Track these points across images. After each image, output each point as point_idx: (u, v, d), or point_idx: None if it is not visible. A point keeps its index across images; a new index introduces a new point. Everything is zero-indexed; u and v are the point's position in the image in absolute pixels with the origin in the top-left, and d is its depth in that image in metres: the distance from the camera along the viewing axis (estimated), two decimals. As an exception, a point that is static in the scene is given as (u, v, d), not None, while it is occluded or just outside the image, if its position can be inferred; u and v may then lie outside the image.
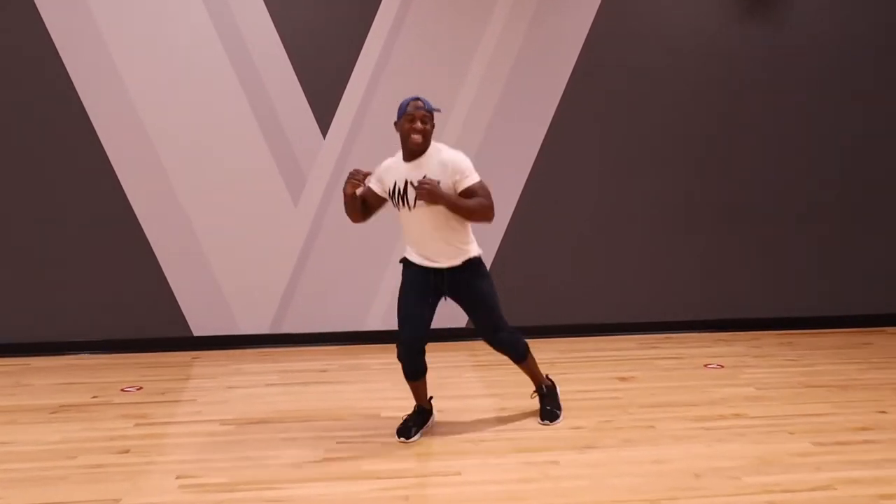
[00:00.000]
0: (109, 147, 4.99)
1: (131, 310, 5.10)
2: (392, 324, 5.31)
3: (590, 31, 5.27)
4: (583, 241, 5.40)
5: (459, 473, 2.98)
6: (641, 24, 5.33)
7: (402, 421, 3.44)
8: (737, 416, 3.65)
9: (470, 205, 3.18)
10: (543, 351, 4.99)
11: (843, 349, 5.02)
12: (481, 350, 5.05)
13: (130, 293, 5.09)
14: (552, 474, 2.95)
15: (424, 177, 3.16)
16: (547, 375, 3.75)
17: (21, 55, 4.88)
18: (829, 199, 5.55)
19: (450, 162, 3.21)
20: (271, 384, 4.35)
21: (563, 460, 3.10)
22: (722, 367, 4.57)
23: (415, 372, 3.39)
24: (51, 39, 4.88)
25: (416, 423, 3.43)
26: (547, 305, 5.40)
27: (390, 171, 3.33)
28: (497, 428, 3.53)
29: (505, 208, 5.32)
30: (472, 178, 3.23)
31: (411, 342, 3.32)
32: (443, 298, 3.41)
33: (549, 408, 3.60)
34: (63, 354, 4.98)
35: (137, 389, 4.23)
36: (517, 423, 3.61)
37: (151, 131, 5.02)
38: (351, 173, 3.29)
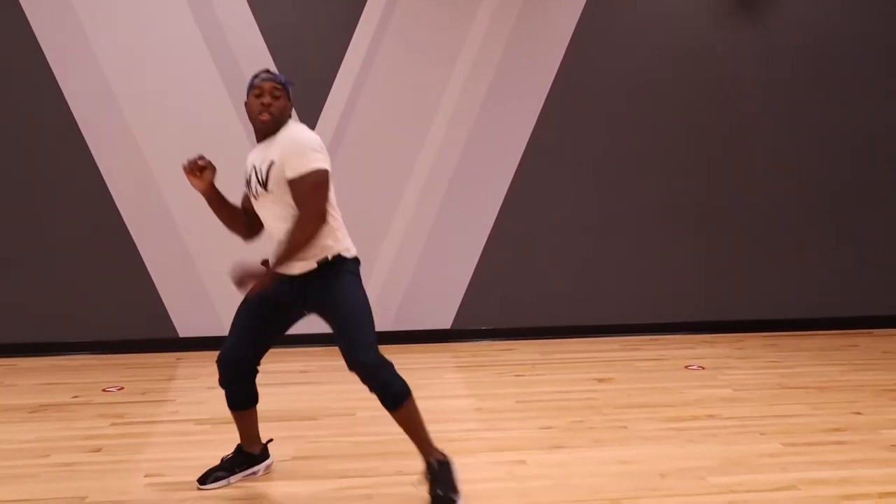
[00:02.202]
0: (96, 149, 5.04)
1: (117, 311, 5.14)
2: (377, 325, 5.36)
3: (575, 30, 5.29)
4: (566, 243, 5.41)
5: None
6: (627, 23, 5.35)
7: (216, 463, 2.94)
8: (710, 416, 3.65)
9: (290, 248, 2.53)
10: (524, 352, 5.03)
11: (827, 351, 5.01)
12: (464, 352, 5.09)
13: (117, 295, 5.13)
14: (517, 474, 2.96)
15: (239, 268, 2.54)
16: (441, 450, 2.75)
17: (10, 62, 4.93)
18: (818, 200, 5.55)
19: (284, 141, 2.61)
20: (251, 385, 4.37)
21: (531, 460, 3.11)
22: (703, 368, 4.57)
23: (234, 397, 2.86)
24: (40, 48, 4.93)
25: (225, 467, 2.90)
26: (529, 307, 5.41)
27: (248, 159, 2.76)
28: (469, 428, 3.53)
29: (489, 209, 5.35)
30: (304, 165, 2.54)
31: (228, 361, 2.78)
32: (303, 314, 2.80)
33: (441, 492, 2.62)
34: (49, 355, 5.02)
35: (119, 389, 4.26)
36: (491, 423, 3.61)
37: (137, 134, 5.06)
38: (189, 162, 2.69)
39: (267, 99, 2.64)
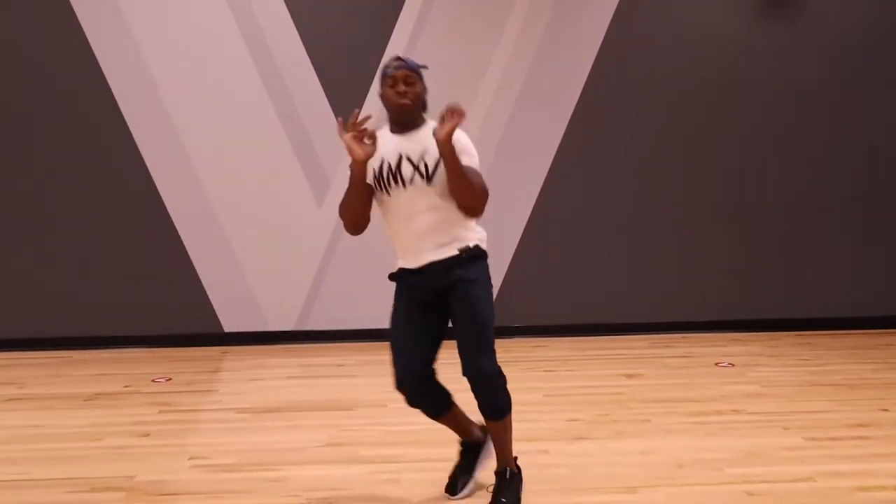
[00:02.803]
0: (145, 151, 5.29)
1: (166, 307, 5.39)
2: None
3: (606, 33, 5.37)
4: (599, 242, 5.49)
5: (450, 460, 3.11)
6: (657, 25, 5.41)
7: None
8: (735, 412, 3.71)
9: (473, 181, 2.53)
10: (555, 349, 5.13)
11: (861, 350, 5.00)
12: (497, 348, 5.20)
13: (165, 292, 5.38)
14: (539, 462, 3.07)
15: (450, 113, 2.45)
16: (516, 458, 2.78)
17: (66, 71, 5.22)
18: (854, 197, 5.52)
19: (458, 136, 2.51)
20: (290, 377, 4.57)
21: (553, 450, 3.23)
22: (733, 365, 4.61)
23: (431, 409, 2.78)
24: (93, 54, 5.21)
25: (464, 469, 2.85)
26: (563, 305, 5.50)
27: (382, 150, 2.61)
28: (496, 419, 3.65)
29: (523, 208, 5.46)
30: (475, 160, 2.61)
31: (409, 379, 2.71)
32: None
33: (506, 500, 2.65)
34: (101, 348, 5.29)
35: (167, 380, 4.50)
36: (517, 415, 3.67)
37: (185, 139, 5.31)
38: (351, 123, 2.54)
39: (402, 87, 2.61)
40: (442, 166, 2.53)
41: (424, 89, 2.68)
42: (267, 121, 5.32)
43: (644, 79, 5.42)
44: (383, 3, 5.32)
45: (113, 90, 5.24)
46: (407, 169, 2.58)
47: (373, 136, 2.53)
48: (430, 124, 2.63)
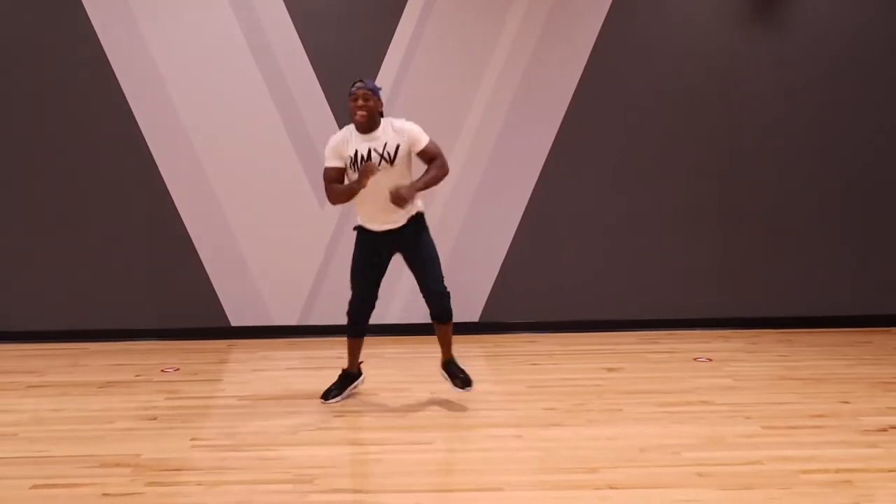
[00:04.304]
0: (159, 159, 5.56)
1: (176, 302, 5.69)
2: (412, 317, 5.79)
3: (599, 34, 5.58)
4: (590, 241, 5.72)
5: (431, 443, 3.41)
6: (649, 28, 5.61)
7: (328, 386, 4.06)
8: (703, 402, 3.94)
9: (434, 175, 3.77)
10: (545, 344, 5.37)
11: (840, 347, 5.19)
12: (489, 343, 5.46)
13: (176, 288, 5.68)
14: (510, 446, 3.34)
15: (396, 191, 3.62)
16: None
17: (77, 70, 5.54)
18: (842, 198, 5.71)
19: (405, 129, 3.75)
20: (292, 368, 4.86)
21: (527, 435, 3.48)
22: (710, 360, 4.83)
23: (361, 330, 4.02)
24: (107, 60, 5.52)
25: (337, 385, 4.04)
26: (556, 302, 5.74)
27: (349, 143, 3.76)
28: (477, 407, 3.90)
29: (516, 207, 5.70)
30: (426, 139, 3.78)
31: (364, 302, 3.95)
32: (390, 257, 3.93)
33: (462, 374, 3.98)
34: (115, 340, 5.61)
35: (175, 370, 4.79)
36: (498, 403, 3.99)
37: (194, 140, 5.60)
38: (368, 168, 3.64)
39: (360, 103, 3.69)
40: (400, 151, 3.74)
41: (378, 104, 3.76)
42: (272, 124, 5.60)
43: (636, 80, 5.62)
44: (382, 12, 5.59)
45: (127, 97, 5.53)
46: (375, 159, 3.71)
47: (374, 174, 3.63)
48: (386, 121, 3.79)
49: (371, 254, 3.87)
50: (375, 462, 3.20)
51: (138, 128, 5.57)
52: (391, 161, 3.71)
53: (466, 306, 5.74)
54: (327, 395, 4.01)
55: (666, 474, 3.00)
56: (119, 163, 5.59)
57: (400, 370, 4.73)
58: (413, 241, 3.85)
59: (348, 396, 4.08)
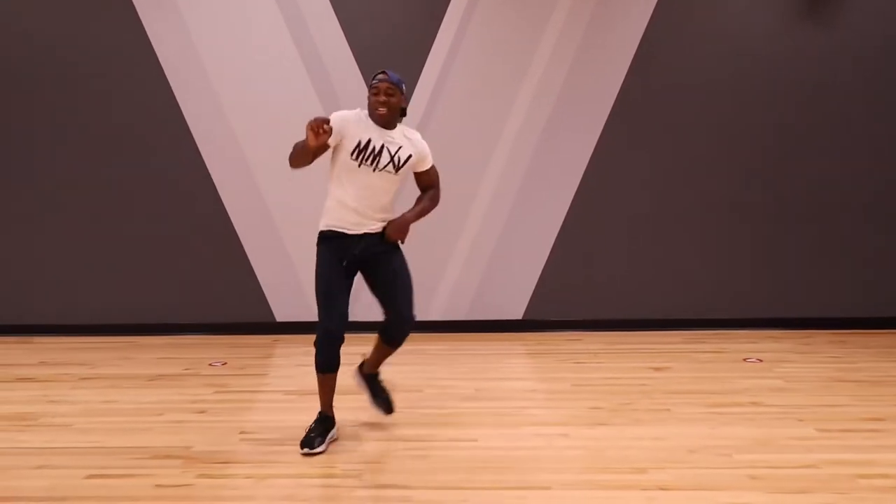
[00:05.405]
0: (206, 154, 5.69)
1: (224, 298, 5.78)
2: (452, 314, 5.78)
3: (644, 33, 5.53)
4: (636, 240, 5.66)
5: (476, 440, 3.39)
6: (693, 28, 5.54)
7: (305, 433, 3.32)
8: (754, 404, 3.86)
9: (426, 208, 3.46)
10: (589, 343, 5.33)
11: (894, 349, 5.04)
12: (533, 341, 5.43)
13: (224, 284, 5.78)
14: (557, 444, 3.30)
15: (394, 229, 3.31)
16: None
17: (133, 74, 5.66)
18: (891, 197, 5.55)
19: (418, 143, 3.37)
20: (336, 364, 4.88)
21: (573, 434, 3.44)
22: (760, 361, 4.73)
23: (331, 362, 3.33)
24: (161, 67, 5.63)
25: (320, 432, 3.32)
26: (600, 300, 5.69)
27: (358, 125, 3.26)
28: (522, 406, 3.89)
29: (560, 205, 5.66)
30: (432, 161, 3.46)
31: (343, 318, 3.27)
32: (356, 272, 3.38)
33: (385, 396, 3.64)
34: (164, 335, 5.72)
35: (223, 364, 4.87)
36: (543, 402, 3.96)
37: (241, 139, 5.68)
38: (317, 123, 3.03)
39: (382, 98, 3.26)
40: (409, 162, 3.32)
41: (401, 100, 3.33)
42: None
43: (677, 80, 5.56)
44: (426, 15, 5.59)
45: (181, 106, 5.66)
46: (385, 157, 3.27)
47: (329, 133, 3.07)
48: (401, 128, 3.37)
49: (341, 259, 3.30)
50: (421, 458, 3.19)
51: (187, 127, 5.67)
52: (397, 168, 3.29)
53: (510, 304, 5.74)
54: (311, 444, 3.25)
55: (717, 476, 2.94)
56: (169, 161, 5.71)
57: (442, 366, 4.73)
58: (387, 252, 3.35)
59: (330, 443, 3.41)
